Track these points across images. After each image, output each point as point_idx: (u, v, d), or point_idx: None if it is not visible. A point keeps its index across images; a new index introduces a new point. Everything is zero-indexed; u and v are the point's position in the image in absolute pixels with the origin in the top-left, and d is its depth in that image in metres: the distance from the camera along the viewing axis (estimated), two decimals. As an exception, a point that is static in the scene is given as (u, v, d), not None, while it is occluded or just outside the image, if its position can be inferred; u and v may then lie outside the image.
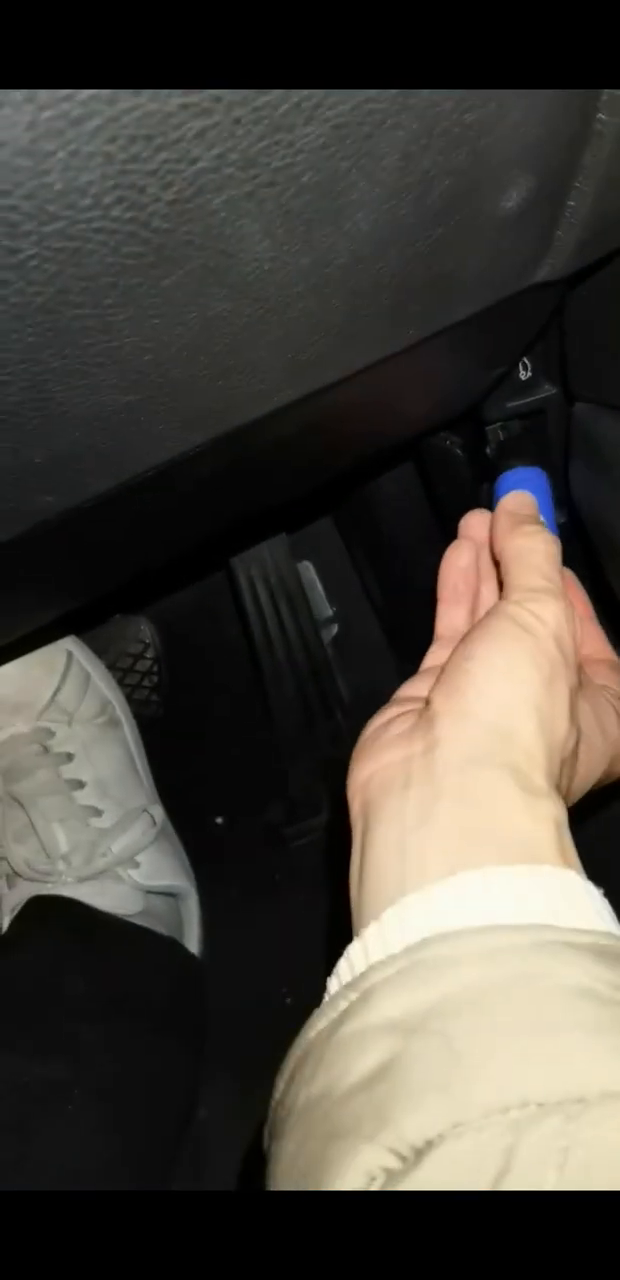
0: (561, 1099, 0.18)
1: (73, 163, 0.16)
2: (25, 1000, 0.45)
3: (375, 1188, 0.18)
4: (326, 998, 0.22)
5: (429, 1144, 0.18)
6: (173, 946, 0.55)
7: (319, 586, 0.64)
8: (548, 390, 0.38)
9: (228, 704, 0.67)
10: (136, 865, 0.55)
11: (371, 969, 0.21)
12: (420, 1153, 0.18)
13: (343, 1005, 0.21)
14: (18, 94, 0.15)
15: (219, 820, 0.67)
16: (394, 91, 0.18)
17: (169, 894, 0.57)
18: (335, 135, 0.19)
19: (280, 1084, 0.22)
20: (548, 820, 0.25)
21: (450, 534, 0.37)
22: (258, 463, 0.32)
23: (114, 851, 0.53)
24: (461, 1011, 0.20)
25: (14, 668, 0.53)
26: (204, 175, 0.18)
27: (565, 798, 0.28)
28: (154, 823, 0.56)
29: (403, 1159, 0.18)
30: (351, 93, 0.18)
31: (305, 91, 0.17)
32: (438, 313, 0.27)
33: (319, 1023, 0.22)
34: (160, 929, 0.55)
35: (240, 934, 0.60)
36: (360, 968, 0.22)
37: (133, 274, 0.19)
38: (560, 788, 0.27)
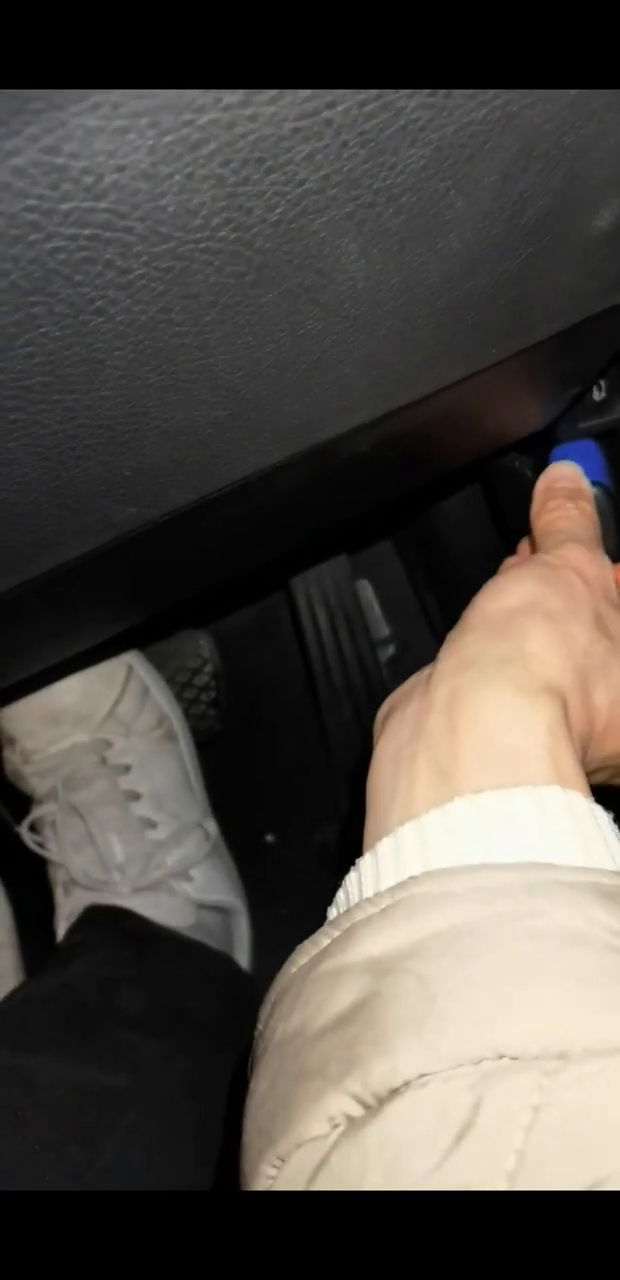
0: (540, 1053, 0.16)
1: (188, 185, 0.17)
2: (83, 1008, 0.46)
3: (336, 1135, 0.17)
4: (326, 923, 0.22)
5: (393, 1092, 0.17)
6: (227, 962, 0.55)
7: (376, 606, 0.64)
8: (622, 411, 0.38)
9: (283, 722, 0.67)
10: (189, 879, 0.55)
11: (357, 906, 0.21)
12: (383, 1101, 0.17)
13: (325, 942, 0.21)
14: (143, 120, 0.15)
15: (270, 838, 0.67)
16: (498, 113, 0.18)
17: (220, 909, 0.57)
18: (436, 156, 0.19)
19: (262, 1016, 0.22)
20: (537, 723, 0.23)
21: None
22: (333, 479, 0.32)
23: (168, 864, 0.54)
24: (442, 953, 0.18)
25: (76, 679, 0.55)
26: (309, 196, 0.18)
27: (607, 708, 0.26)
28: (207, 837, 0.56)
29: (366, 1106, 0.17)
30: (454, 114, 0.18)
31: (412, 114, 0.17)
32: (522, 331, 0.27)
33: (300, 958, 0.21)
34: (212, 944, 0.55)
35: (289, 953, 0.59)
36: (354, 897, 0.22)
37: (233, 293, 0.20)
38: (592, 699, 0.26)
